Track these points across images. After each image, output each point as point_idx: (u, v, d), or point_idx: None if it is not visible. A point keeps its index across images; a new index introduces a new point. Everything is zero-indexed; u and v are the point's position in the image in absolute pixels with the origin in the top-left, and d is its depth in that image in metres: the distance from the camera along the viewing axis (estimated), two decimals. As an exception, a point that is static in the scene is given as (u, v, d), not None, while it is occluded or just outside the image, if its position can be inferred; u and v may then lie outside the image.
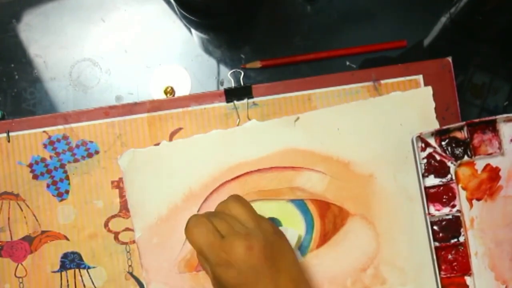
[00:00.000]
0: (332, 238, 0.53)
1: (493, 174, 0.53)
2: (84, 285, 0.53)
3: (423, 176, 0.52)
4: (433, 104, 0.54)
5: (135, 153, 0.53)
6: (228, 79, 0.57)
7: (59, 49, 0.57)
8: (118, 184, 0.53)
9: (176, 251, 0.52)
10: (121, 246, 0.53)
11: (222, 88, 0.56)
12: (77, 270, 0.53)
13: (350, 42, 0.57)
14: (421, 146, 0.53)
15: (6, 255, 0.53)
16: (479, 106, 0.57)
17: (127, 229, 0.53)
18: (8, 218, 0.53)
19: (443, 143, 0.53)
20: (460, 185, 0.53)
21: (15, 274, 0.53)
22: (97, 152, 0.54)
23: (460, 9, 0.58)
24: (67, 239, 0.53)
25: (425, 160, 0.53)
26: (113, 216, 0.53)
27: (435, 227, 0.52)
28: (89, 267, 0.53)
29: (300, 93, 0.54)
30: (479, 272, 0.52)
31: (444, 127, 0.52)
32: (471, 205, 0.53)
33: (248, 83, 0.56)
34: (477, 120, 0.52)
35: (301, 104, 0.54)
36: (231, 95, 0.54)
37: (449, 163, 0.52)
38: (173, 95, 0.56)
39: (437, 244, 0.52)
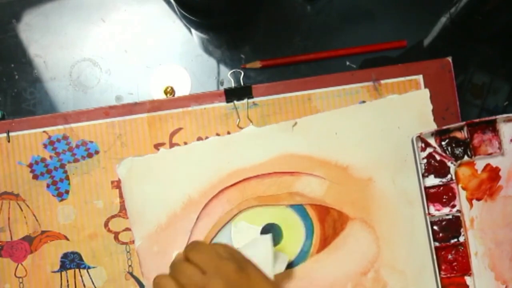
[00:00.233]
0: (332, 242, 0.52)
1: (493, 174, 0.53)
2: (84, 285, 0.53)
3: (423, 176, 0.52)
4: (430, 107, 0.54)
5: (133, 161, 0.53)
6: (228, 79, 0.57)
7: (59, 49, 0.57)
8: (118, 184, 0.53)
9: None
10: (121, 246, 0.53)
11: (222, 88, 0.56)
12: (77, 270, 0.53)
13: (350, 42, 0.57)
14: (421, 146, 0.53)
15: (6, 255, 0.53)
16: (479, 106, 0.57)
17: (127, 229, 0.53)
18: (8, 218, 0.53)
19: (443, 143, 0.53)
20: (460, 185, 0.53)
21: (15, 274, 0.53)
22: (97, 152, 0.54)
23: (460, 9, 0.58)
24: (67, 239, 0.53)
25: (425, 160, 0.53)
26: (113, 216, 0.53)
27: (435, 227, 0.52)
28: (89, 267, 0.53)
29: (300, 93, 0.54)
30: (479, 272, 0.52)
31: (444, 127, 0.52)
32: (471, 205, 0.53)
33: (248, 83, 0.56)
34: (477, 120, 0.52)
35: (301, 104, 0.54)
36: (231, 95, 0.54)
37: (449, 163, 0.52)
38: (173, 95, 0.56)
39: (437, 244, 0.52)
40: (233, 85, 0.56)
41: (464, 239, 0.52)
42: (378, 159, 0.53)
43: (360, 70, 0.55)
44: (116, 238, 0.53)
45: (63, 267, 0.53)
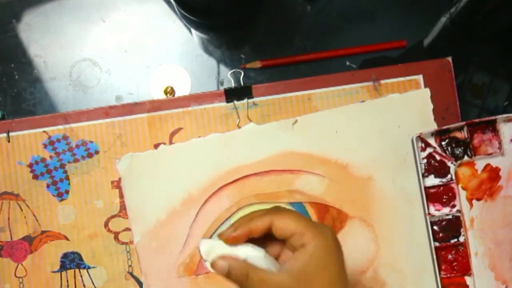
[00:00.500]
0: (332, 240, 0.52)
1: (493, 174, 0.53)
2: (84, 285, 0.53)
3: (423, 176, 0.52)
4: (431, 106, 0.54)
5: (133, 157, 0.53)
6: (228, 79, 0.57)
7: (59, 49, 0.57)
8: (118, 184, 0.53)
9: (175, 255, 0.52)
10: (121, 246, 0.53)
11: (222, 88, 0.56)
12: (77, 270, 0.53)
13: (350, 42, 0.57)
14: (421, 146, 0.53)
15: (6, 255, 0.53)
16: (479, 106, 0.57)
17: (127, 229, 0.53)
18: (8, 218, 0.53)
19: (443, 143, 0.53)
20: (460, 185, 0.53)
21: (15, 274, 0.53)
22: (97, 152, 0.54)
23: (460, 9, 0.58)
24: (67, 239, 0.53)
25: (425, 160, 0.53)
26: (113, 216, 0.53)
27: (435, 227, 0.52)
28: (89, 267, 0.53)
29: (300, 93, 0.54)
30: (479, 272, 0.52)
31: (444, 127, 0.52)
32: (471, 205, 0.53)
33: (248, 83, 0.56)
34: (477, 120, 0.52)
35: (301, 104, 0.54)
36: (231, 95, 0.54)
37: (449, 163, 0.52)
38: (173, 95, 0.56)
39: (437, 244, 0.52)
40: (233, 85, 0.56)
41: (464, 239, 0.52)
42: (378, 158, 0.53)
43: (360, 70, 0.55)
44: (116, 238, 0.53)
45: (63, 267, 0.53)
